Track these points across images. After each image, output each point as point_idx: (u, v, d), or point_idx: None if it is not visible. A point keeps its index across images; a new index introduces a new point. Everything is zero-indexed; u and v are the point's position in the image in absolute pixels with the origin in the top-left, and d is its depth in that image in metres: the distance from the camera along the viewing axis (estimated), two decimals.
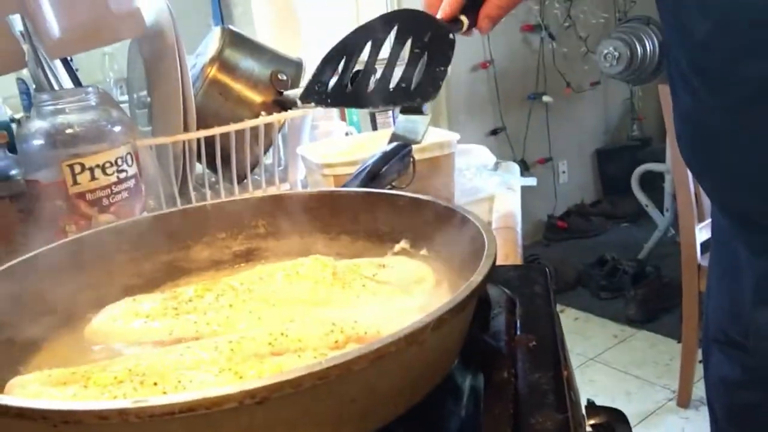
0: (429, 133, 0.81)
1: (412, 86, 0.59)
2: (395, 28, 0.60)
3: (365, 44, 0.61)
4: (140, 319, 0.49)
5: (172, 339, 0.47)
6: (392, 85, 0.60)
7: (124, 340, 0.48)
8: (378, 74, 0.61)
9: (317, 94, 0.61)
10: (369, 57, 0.61)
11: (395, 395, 0.36)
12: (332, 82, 0.61)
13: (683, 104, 0.61)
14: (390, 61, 0.60)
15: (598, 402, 0.52)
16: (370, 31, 0.61)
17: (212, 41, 1.02)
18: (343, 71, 0.61)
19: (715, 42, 0.53)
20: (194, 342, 0.44)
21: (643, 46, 2.87)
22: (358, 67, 0.62)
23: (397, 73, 0.61)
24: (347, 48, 0.62)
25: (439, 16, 0.60)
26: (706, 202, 1.74)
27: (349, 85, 0.61)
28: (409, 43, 0.60)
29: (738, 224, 0.64)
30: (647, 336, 2.45)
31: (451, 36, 0.59)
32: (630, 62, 2.87)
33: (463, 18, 0.61)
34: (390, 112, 1.28)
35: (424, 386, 0.39)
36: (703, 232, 1.79)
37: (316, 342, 0.41)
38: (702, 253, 1.80)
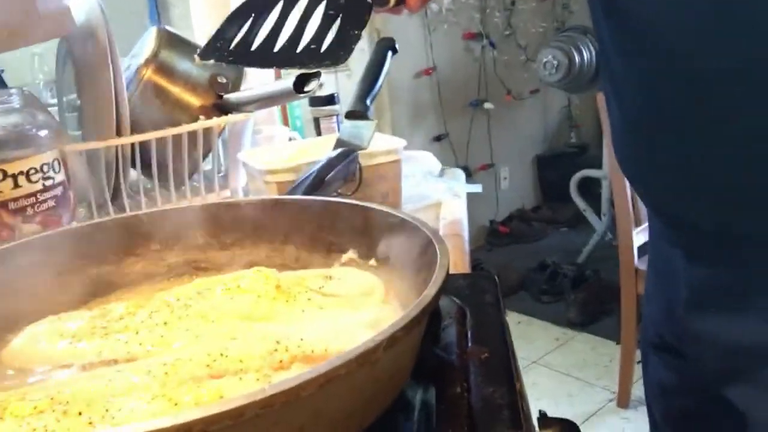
0: (375, 139, 0.80)
1: (322, 48, 0.55)
2: None
3: (276, 3, 0.57)
4: (65, 339, 0.45)
5: (101, 361, 0.43)
6: (301, 46, 0.56)
7: (47, 364, 0.44)
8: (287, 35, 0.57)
9: (218, 51, 0.57)
10: (279, 17, 0.57)
11: (345, 419, 0.34)
12: (237, 39, 0.57)
13: (614, 111, 0.62)
14: (301, 21, 0.57)
15: (542, 405, 0.51)
16: None
17: (148, 42, 0.97)
18: (249, 29, 0.57)
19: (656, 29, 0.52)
20: (125, 365, 0.41)
21: (581, 55, 2.94)
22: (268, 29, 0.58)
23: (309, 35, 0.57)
24: (257, 5, 0.58)
25: None
26: (643, 207, 1.79)
27: (254, 44, 0.57)
28: (323, 4, 0.57)
29: (671, 228, 0.64)
30: (587, 338, 2.50)
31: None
32: (568, 71, 2.94)
33: None
34: (334, 117, 1.25)
35: (376, 408, 0.37)
36: (640, 236, 1.84)
37: (259, 362, 0.38)
38: (639, 256, 1.85)
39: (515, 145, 3.54)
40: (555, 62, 2.95)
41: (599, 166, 3.01)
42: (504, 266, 2.98)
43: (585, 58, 2.94)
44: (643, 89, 0.56)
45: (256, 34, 0.57)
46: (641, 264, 1.83)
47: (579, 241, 3.12)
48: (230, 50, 0.57)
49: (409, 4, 0.59)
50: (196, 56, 0.58)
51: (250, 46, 0.57)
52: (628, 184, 1.78)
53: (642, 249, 1.84)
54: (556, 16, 3.51)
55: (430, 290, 0.37)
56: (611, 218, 2.85)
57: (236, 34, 0.57)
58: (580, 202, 3.10)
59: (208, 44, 0.57)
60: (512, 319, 2.70)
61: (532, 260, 3.00)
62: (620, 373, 1.99)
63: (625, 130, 0.62)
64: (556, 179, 3.51)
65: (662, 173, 0.59)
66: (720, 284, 0.59)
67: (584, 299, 2.61)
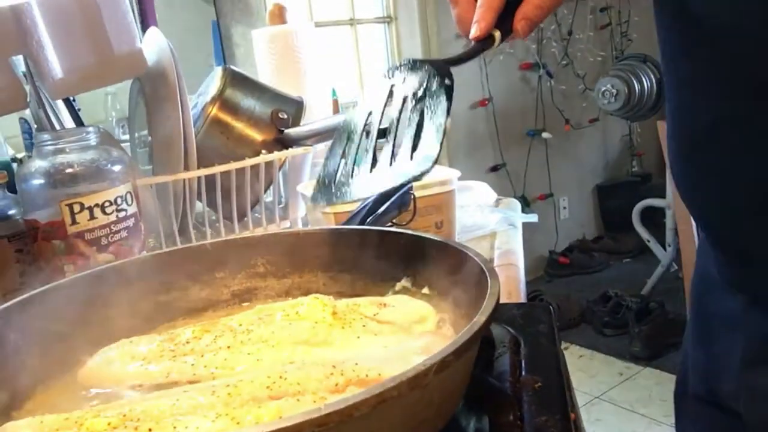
0: None
1: (415, 155, 0.51)
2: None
3: (355, 135, 0.56)
4: (136, 361, 0.48)
5: (169, 382, 0.46)
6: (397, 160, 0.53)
7: (120, 384, 0.47)
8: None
9: (325, 194, 0.55)
10: (362, 144, 0.55)
11: None
12: (337, 178, 0.55)
13: (677, 123, 0.58)
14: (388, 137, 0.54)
15: None
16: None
17: (214, 81, 1.03)
18: (344, 165, 0.55)
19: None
20: (191, 386, 0.43)
21: (641, 83, 2.90)
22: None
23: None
24: (341, 142, 0.56)
25: (473, 34, 0.55)
26: None
27: (353, 176, 0.55)
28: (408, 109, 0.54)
29: (734, 268, 0.57)
30: (653, 373, 2.42)
31: (447, 81, 0.53)
32: (628, 99, 2.90)
33: (496, 32, 0.55)
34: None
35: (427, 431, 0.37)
36: None
37: (316, 385, 0.40)
38: None
39: (574, 174, 3.50)
40: (614, 91, 2.91)
41: (663, 195, 2.94)
42: (564, 298, 2.93)
43: (645, 86, 2.90)
44: (712, 97, 0.53)
45: (352, 167, 0.55)
46: None
47: (642, 273, 3.04)
48: (334, 191, 0.55)
49: (517, 29, 0.55)
50: (309, 203, 0.57)
51: (350, 178, 0.55)
52: None
53: None
54: (615, 44, 3.48)
55: (480, 317, 0.37)
56: (676, 249, 2.76)
57: (336, 173, 0.56)
58: (643, 233, 3.02)
59: (315, 190, 0.57)
60: (573, 352, 2.63)
61: (594, 292, 2.93)
62: None
63: (691, 143, 0.56)
64: (618, 209, 3.44)
65: (730, 194, 0.53)
66: None
67: (649, 332, 2.52)
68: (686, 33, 0.54)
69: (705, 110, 0.54)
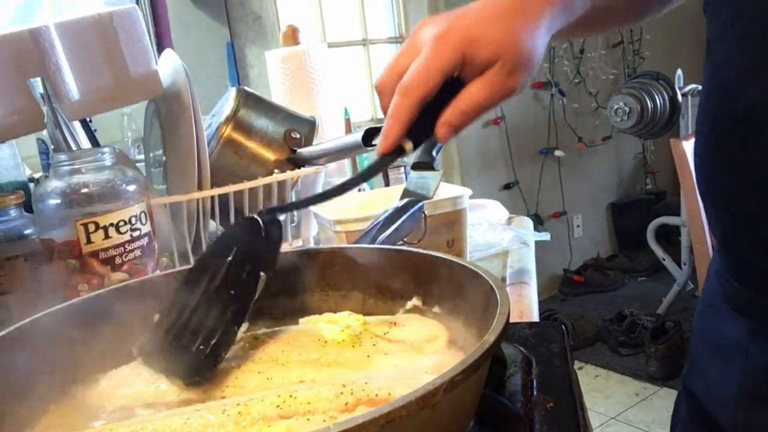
0: (441, 188, 0.81)
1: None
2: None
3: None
4: (148, 380, 0.48)
5: (180, 401, 0.46)
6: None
7: (132, 402, 0.47)
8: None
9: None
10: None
11: None
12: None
13: (712, 106, 0.54)
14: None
15: None
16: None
17: (228, 101, 1.04)
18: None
19: None
20: (202, 404, 0.43)
21: (653, 101, 2.90)
22: None
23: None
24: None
25: (377, 149, 0.53)
26: None
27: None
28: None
29: (750, 291, 0.54)
30: (670, 393, 2.38)
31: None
32: (641, 117, 2.90)
33: (407, 144, 0.53)
34: (402, 168, 1.28)
35: None
36: None
37: (326, 404, 0.40)
38: None
39: (588, 192, 3.49)
40: (627, 109, 2.91)
41: (677, 213, 2.92)
42: (579, 316, 2.90)
43: (658, 103, 2.89)
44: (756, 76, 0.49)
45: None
46: None
47: (658, 291, 3.01)
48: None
49: (439, 134, 0.53)
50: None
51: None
52: (708, 232, 1.71)
53: None
54: (627, 62, 3.49)
55: (490, 336, 0.37)
56: (692, 267, 2.74)
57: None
58: (658, 251, 3.00)
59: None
60: (589, 372, 2.60)
61: (609, 310, 2.91)
62: None
63: (725, 127, 0.52)
64: (632, 227, 3.42)
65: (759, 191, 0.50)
66: None
67: (665, 352, 2.49)
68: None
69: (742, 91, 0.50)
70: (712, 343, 0.61)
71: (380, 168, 0.55)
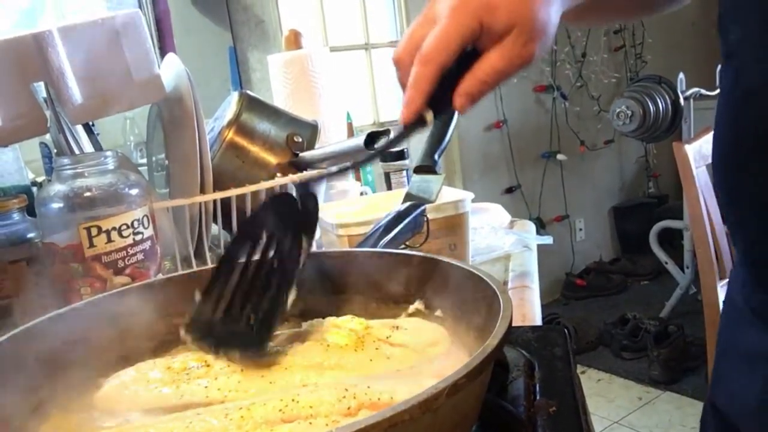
0: (443, 192, 0.82)
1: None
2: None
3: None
4: (151, 384, 0.48)
5: (182, 405, 0.46)
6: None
7: (135, 406, 0.47)
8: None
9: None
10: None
11: None
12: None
13: (733, 86, 0.54)
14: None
15: None
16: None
17: (230, 105, 1.04)
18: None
19: None
20: (204, 408, 0.43)
21: (656, 105, 2.89)
22: None
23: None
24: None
25: (401, 119, 0.53)
26: (727, 259, 1.71)
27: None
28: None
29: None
30: (672, 398, 2.38)
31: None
32: (643, 120, 2.89)
33: (428, 114, 0.52)
34: (404, 172, 1.28)
35: None
36: (725, 290, 1.75)
37: (328, 408, 0.40)
38: None
39: (590, 195, 3.49)
40: (629, 112, 2.91)
41: (680, 216, 2.91)
42: (581, 320, 2.90)
43: (660, 107, 2.89)
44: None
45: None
46: None
47: (661, 295, 3.00)
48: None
49: (457, 104, 0.52)
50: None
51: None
52: (710, 235, 1.71)
53: None
54: (629, 66, 3.49)
55: (492, 340, 0.37)
56: (695, 271, 2.73)
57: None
58: (661, 255, 2.99)
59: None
60: (591, 376, 2.60)
61: (611, 314, 2.90)
62: None
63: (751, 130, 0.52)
64: (635, 230, 3.42)
65: None
66: None
67: (668, 356, 2.49)
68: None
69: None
70: (736, 355, 0.60)
71: (402, 139, 0.55)
